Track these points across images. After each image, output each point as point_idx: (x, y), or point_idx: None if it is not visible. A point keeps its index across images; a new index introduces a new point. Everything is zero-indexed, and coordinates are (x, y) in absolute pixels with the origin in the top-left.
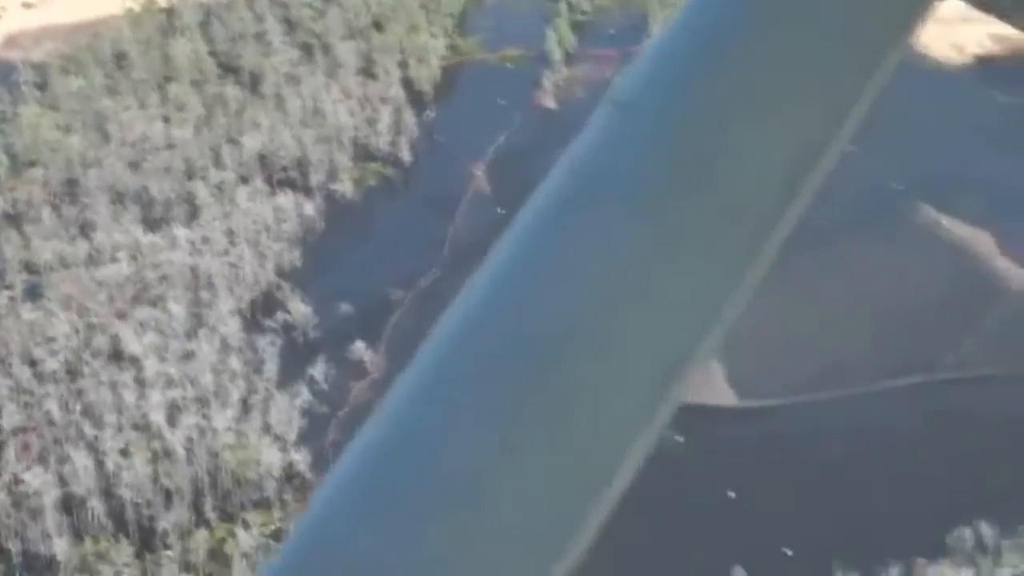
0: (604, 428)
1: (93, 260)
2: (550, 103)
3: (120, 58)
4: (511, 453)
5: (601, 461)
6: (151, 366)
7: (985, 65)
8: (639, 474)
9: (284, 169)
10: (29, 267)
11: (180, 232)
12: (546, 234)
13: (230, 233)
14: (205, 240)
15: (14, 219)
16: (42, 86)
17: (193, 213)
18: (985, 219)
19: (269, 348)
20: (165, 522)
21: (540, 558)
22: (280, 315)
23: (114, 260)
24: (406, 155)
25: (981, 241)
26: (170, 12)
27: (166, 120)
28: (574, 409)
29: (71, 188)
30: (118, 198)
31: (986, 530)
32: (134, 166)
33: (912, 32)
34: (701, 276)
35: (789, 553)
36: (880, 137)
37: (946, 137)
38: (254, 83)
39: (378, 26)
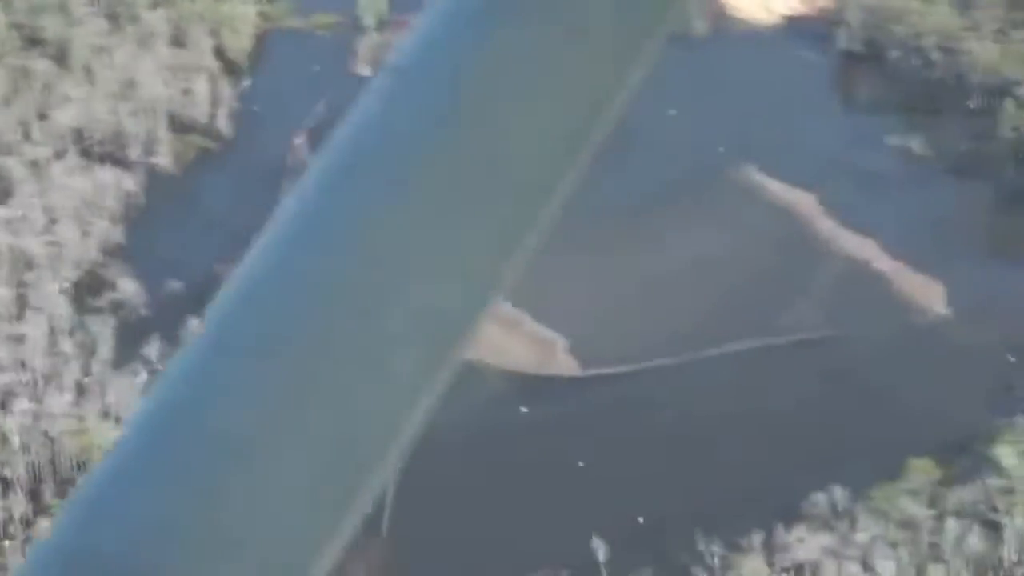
0: (379, 397)
1: None
2: (365, 70)
3: None
4: (281, 427)
5: (377, 431)
6: None
7: (794, 25)
8: (488, 448)
9: (100, 143)
10: None
11: None
12: (320, 205)
13: (49, 210)
14: (23, 218)
15: None
16: None
17: (8, 191)
18: (807, 181)
19: (101, 328)
20: (3, 511)
21: (312, 534)
22: (109, 294)
23: None
24: (225, 126)
25: (805, 203)
26: None
27: None
28: (347, 378)
29: None
30: None
31: (840, 495)
32: None
33: None
34: (478, 243)
35: (641, 520)
36: (699, 101)
37: (763, 99)
38: (61, 55)
39: None
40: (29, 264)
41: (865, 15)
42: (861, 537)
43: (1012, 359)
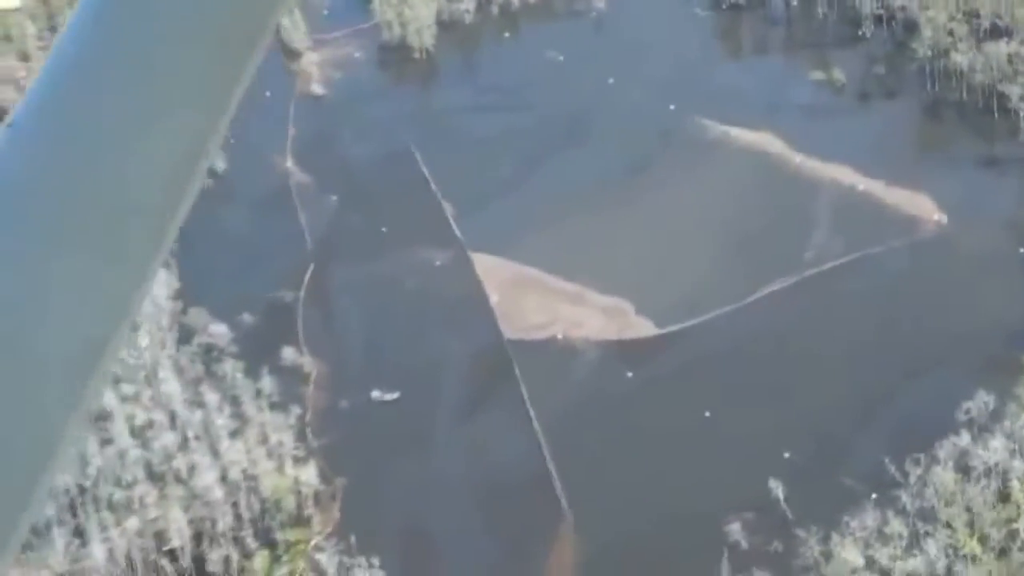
0: (37, 418)
1: None
2: None
3: None
4: None
5: (36, 450)
6: None
7: None
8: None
9: None
10: None
11: None
12: None
13: None
14: None
15: None
16: None
17: None
18: (757, 122)
19: None
20: None
21: None
22: None
23: None
24: None
25: (771, 143)
26: None
27: None
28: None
29: None
30: None
31: (985, 398)
32: None
33: (271, 27)
34: (109, 273)
35: (787, 456)
36: (629, 67)
37: (680, 57)
38: None
39: None
40: None
41: None
42: None
43: (1009, 248)
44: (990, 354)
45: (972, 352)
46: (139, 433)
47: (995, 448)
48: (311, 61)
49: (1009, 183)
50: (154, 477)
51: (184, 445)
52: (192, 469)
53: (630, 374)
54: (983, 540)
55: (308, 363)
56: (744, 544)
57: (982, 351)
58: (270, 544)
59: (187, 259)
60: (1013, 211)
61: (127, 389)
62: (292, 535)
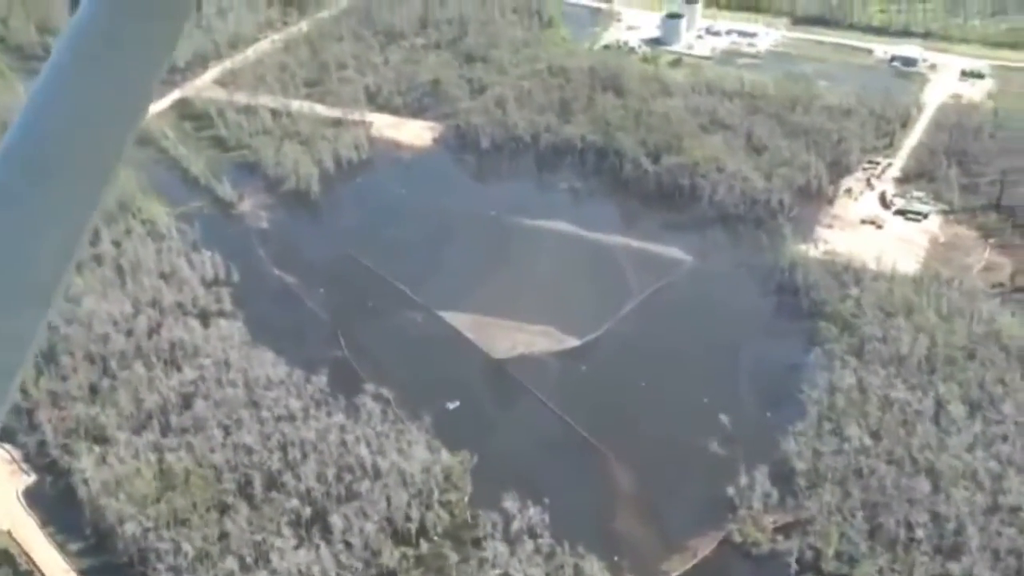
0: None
1: None
2: None
3: None
4: None
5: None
6: None
7: (440, 141)
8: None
9: None
10: None
11: None
12: None
13: None
14: None
15: None
16: None
17: None
18: (548, 215)
19: None
20: None
21: None
22: None
23: None
24: None
25: (565, 226)
26: None
27: None
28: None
29: None
30: None
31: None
32: None
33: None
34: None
35: (705, 400)
36: (445, 193)
37: (472, 183)
38: None
39: None
40: None
41: (486, 125)
42: None
43: (743, 270)
44: (775, 324)
45: (767, 322)
46: (342, 444)
47: (845, 375)
48: (245, 206)
49: (709, 235)
50: (372, 473)
51: (372, 450)
52: (389, 464)
53: (583, 368)
54: (861, 425)
55: (384, 392)
56: (720, 452)
57: (770, 321)
58: (444, 504)
59: (269, 342)
60: (720, 249)
61: (316, 424)
62: (454, 496)
